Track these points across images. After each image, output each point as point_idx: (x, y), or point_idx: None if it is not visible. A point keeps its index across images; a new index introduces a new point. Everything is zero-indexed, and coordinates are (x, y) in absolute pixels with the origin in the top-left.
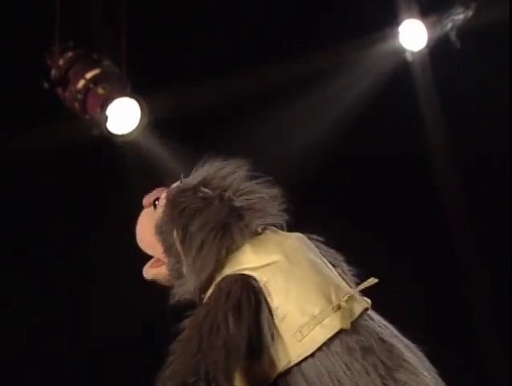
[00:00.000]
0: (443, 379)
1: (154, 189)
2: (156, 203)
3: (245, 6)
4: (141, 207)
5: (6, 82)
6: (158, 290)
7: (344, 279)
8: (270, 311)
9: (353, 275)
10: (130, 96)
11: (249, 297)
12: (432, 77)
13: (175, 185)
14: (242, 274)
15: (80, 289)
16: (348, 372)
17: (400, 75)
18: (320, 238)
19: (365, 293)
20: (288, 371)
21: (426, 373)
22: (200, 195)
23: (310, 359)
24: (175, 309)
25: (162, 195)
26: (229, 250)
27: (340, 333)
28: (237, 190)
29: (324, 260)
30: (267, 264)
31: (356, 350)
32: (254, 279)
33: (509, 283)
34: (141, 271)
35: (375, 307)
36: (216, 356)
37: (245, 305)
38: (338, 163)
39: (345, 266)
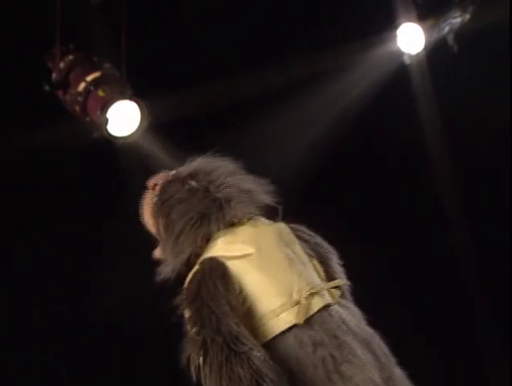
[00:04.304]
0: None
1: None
2: (155, 188)
3: (245, 8)
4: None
5: (7, 85)
6: (154, 290)
7: (318, 272)
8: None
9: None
10: (131, 98)
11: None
12: (430, 80)
13: (169, 174)
14: (218, 257)
15: (79, 289)
16: (297, 366)
17: (398, 78)
18: (301, 228)
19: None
20: None
21: (375, 369)
22: (187, 186)
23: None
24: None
25: (161, 180)
26: (204, 238)
27: (294, 327)
28: (222, 182)
29: (300, 253)
30: (240, 256)
31: (308, 344)
32: (224, 264)
33: (508, 286)
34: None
35: (375, 310)
36: (232, 319)
37: (227, 275)
38: (336, 165)
39: (333, 256)
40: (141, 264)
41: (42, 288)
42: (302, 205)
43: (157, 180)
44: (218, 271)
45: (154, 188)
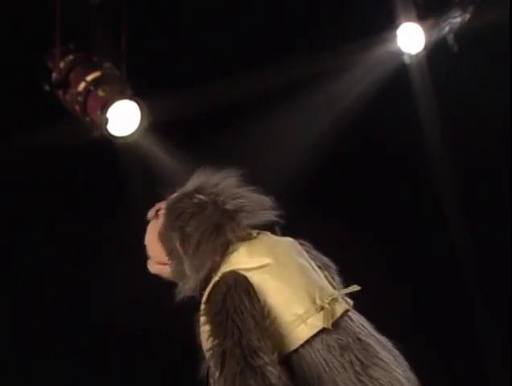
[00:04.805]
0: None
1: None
2: (158, 213)
3: (245, 8)
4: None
5: (8, 84)
6: (153, 293)
7: (329, 281)
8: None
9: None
10: (131, 98)
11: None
12: (430, 80)
13: (173, 195)
14: (238, 270)
15: (79, 289)
16: (327, 369)
17: (398, 77)
18: (308, 244)
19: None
20: None
21: (398, 370)
22: (195, 200)
23: (293, 355)
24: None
25: (162, 205)
26: (224, 248)
27: (321, 332)
28: (229, 195)
29: (312, 264)
30: (259, 267)
31: (335, 348)
32: (246, 278)
33: (508, 286)
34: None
35: (375, 310)
36: (254, 334)
37: (251, 289)
38: (336, 165)
39: (333, 270)
40: (141, 264)
41: (42, 288)
42: (302, 205)
43: (158, 206)
44: (243, 284)
45: (156, 215)
